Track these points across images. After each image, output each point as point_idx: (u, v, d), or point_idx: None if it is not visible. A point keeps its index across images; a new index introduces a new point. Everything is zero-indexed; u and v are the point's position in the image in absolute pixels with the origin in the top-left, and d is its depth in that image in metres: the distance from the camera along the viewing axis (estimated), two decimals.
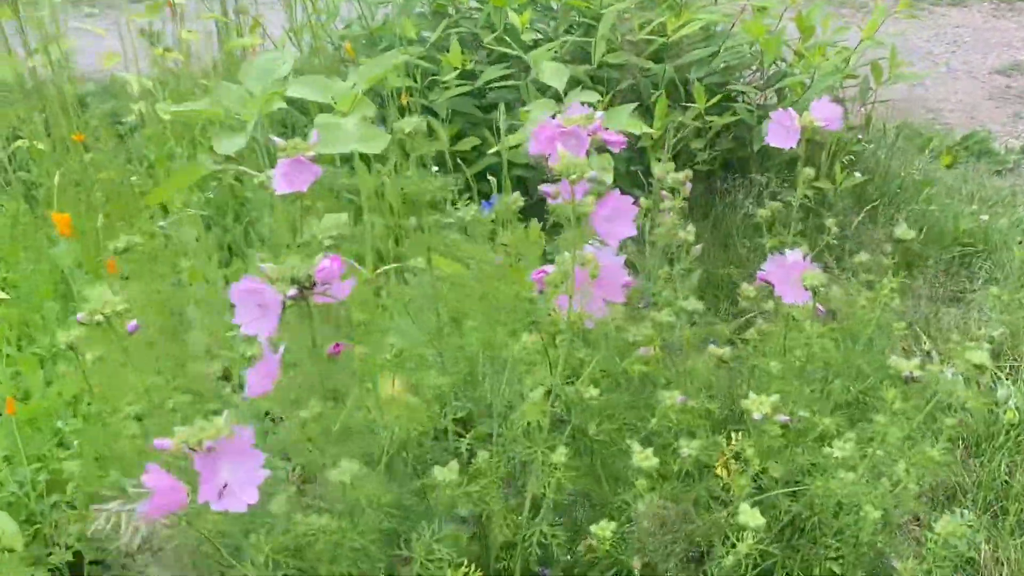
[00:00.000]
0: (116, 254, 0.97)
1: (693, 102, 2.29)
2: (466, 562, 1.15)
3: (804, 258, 1.28)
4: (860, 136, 2.51)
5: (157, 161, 1.93)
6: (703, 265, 2.35)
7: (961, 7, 5.46)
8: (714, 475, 1.25)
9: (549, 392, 1.01)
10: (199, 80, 2.52)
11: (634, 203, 0.93)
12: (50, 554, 1.16)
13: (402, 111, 2.42)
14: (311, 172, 1.04)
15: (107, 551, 0.92)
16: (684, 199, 1.33)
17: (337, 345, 0.82)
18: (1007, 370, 2.00)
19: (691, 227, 1.25)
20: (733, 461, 1.35)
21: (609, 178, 1.96)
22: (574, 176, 0.87)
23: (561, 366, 1.02)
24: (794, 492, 1.25)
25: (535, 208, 1.31)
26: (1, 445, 1.30)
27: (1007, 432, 1.81)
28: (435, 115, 2.34)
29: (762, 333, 1.27)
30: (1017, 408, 1.87)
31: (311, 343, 0.84)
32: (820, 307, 1.20)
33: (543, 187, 0.91)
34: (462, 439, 1.19)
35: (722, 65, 2.41)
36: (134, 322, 0.89)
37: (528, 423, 1.04)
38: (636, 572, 0.98)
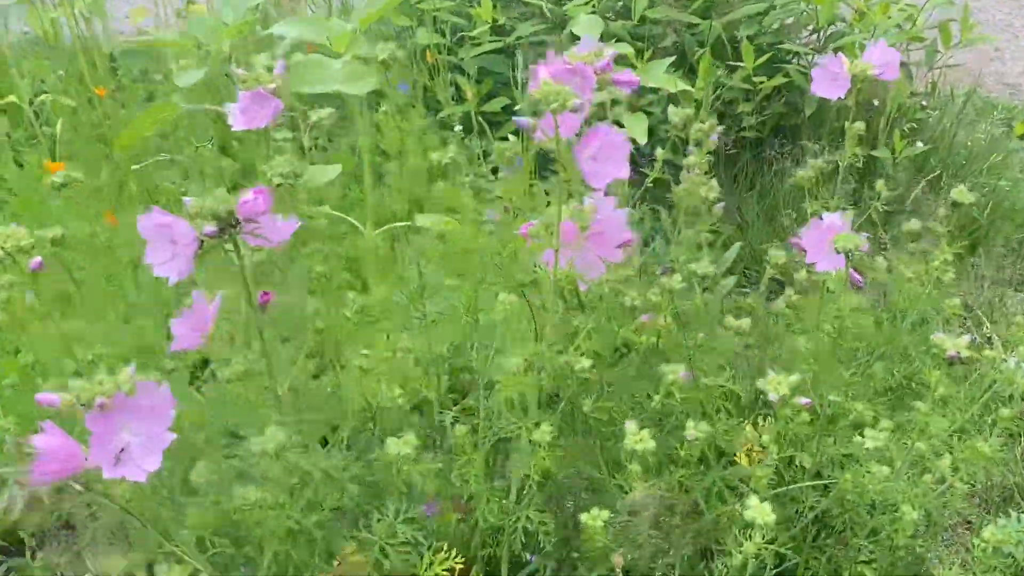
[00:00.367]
0: (53, 188, 0.87)
1: (741, 62, 2.11)
2: (446, 547, 1.04)
3: (844, 222, 1.13)
4: (924, 103, 2.31)
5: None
6: (745, 238, 2.20)
7: None
8: (734, 464, 1.11)
9: (532, 362, 0.88)
10: None
11: (627, 141, 0.79)
12: None
13: (431, 71, 2.30)
14: (272, 106, 0.93)
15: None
16: (710, 153, 1.18)
17: (265, 294, 0.70)
18: None
19: (714, 182, 1.11)
20: (759, 449, 1.22)
21: (644, 139, 1.82)
22: (555, 105, 0.74)
23: (548, 333, 0.90)
24: (824, 486, 1.11)
25: None
26: None
27: None
28: (464, 74, 2.21)
29: (793, 307, 1.12)
30: None
31: (245, 294, 0.73)
32: (857, 276, 1.05)
33: (518, 119, 0.78)
34: (446, 412, 1.07)
35: (775, 24, 2.23)
36: (38, 259, 0.79)
37: (511, 397, 0.92)
38: (617, 570, 0.85)
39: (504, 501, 1.02)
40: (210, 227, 0.68)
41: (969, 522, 1.49)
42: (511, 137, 1.82)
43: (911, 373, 1.22)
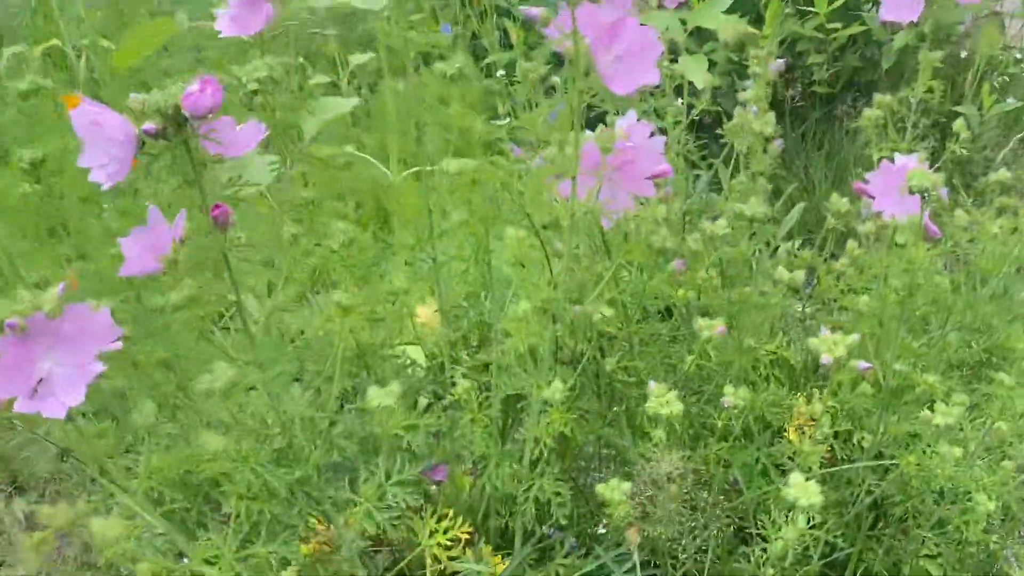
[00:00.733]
0: (19, 98, 0.78)
1: (814, 8, 1.94)
2: (452, 513, 0.93)
3: (921, 165, 0.98)
4: (1019, 56, 2.10)
5: None
6: (810, 200, 2.03)
7: None
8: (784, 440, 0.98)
9: (544, 310, 0.77)
10: None
11: (658, 41, 0.66)
12: None
13: (481, 15, 2.18)
14: (264, 13, 0.82)
15: None
16: (768, 83, 1.04)
17: (217, 207, 0.60)
18: None
19: (771, 116, 0.97)
20: (812, 424, 1.09)
21: (701, 84, 1.66)
22: None
23: (562, 277, 0.78)
24: (885, 468, 0.97)
25: None
26: None
27: None
28: (512, 18, 2.09)
29: (856, 261, 0.97)
30: None
31: (200, 206, 0.62)
32: (933, 226, 0.90)
33: (526, 9, 0.65)
34: (458, 367, 0.97)
35: None
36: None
37: (520, 350, 0.80)
38: (632, 546, 0.74)
39: (516, 467, 0.91)
40: (150, 124, 0.57)
41: None
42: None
43: (991, 346, 1.06)
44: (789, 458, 0.94)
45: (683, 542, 0.77)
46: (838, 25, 1.95)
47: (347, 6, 0.99)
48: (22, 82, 0.79)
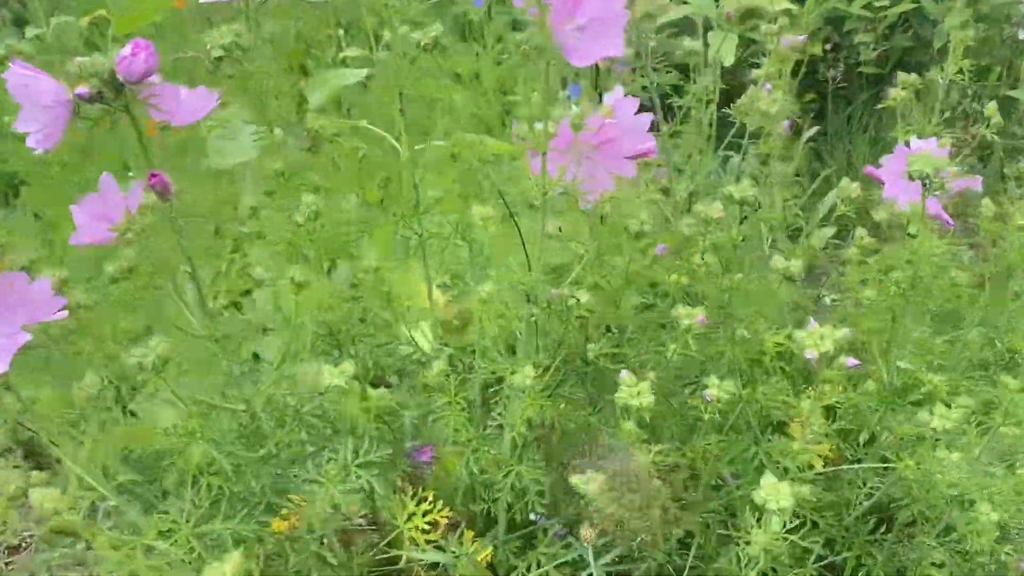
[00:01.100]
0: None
1: None
2: (432, 496, 0.91)
3: (940, 150, 0.92)
4: None
5: None
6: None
7: None
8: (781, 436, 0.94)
9: (516, 291, 0.74)
10: None
11: (625, 10, 0.62)
12: None
13: None
14: None
15: None
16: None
17: (153, 175, 0.58)
18: None
19: (778, 94, 0.91)
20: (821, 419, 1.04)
21: (730, 60, 1.60)
22: None
23: (538, 256, 0.74)
24: (884, 469, 0.92)
25: None
26: None
27: None
28: None
29: (864, 250, 0.92)
30: None
31: (142, 173, 0.61)
32: (945, 215, 0.84)
33: None
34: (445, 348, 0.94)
35: None
36: None
37: (493, 334, 0.77)
38: (586, 542, 0.70)
39: (494, 453, 0.88)
40: (83, 89, 0.56)
41: None
42: None
43: (1015, 346, 1.00)
44: (781, 456, 0.90)
45: (649, 538, 0.74)
46: (887, 2, 1.85)
47: None
48: None
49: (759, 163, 0.94)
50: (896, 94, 1.00)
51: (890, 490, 0.91)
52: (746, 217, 0.80)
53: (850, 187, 0.91)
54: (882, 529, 0.96)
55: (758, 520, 0.70)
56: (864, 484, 0.92)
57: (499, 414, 0.90)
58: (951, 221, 0.84)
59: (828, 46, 2.10)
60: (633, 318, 0.84)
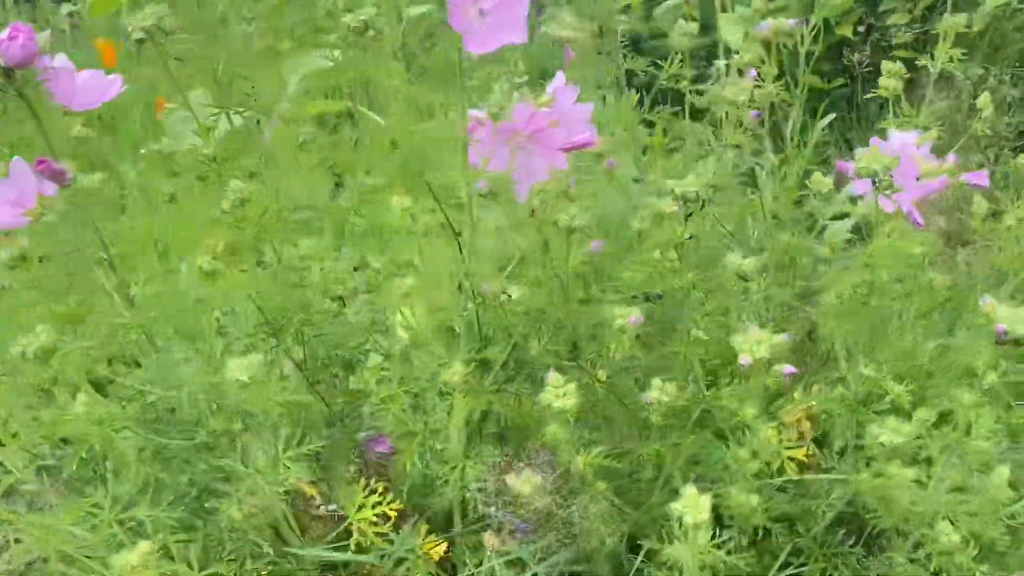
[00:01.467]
0: None
1: None
2: (382, 488, 0.90)
3: (922, 145, 0.87)
4: None
5: None
6: None
7: None
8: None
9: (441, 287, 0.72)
10: None
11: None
12: None
13: None
14: None
15: None
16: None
17: (40, 161, 0.57)
18: None
19: (746, 82, 0.87)
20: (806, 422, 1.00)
21: (735, 43, 1.55)
22: None
23: (466, 252, 0.72)
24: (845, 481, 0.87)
25: None
26: None
27: None
28: None
29: (835, 250, 0.87)
30: None
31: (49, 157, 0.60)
32: (916, 215, 0.79)
33: None
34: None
35: None
36: None
37: (422, 330, 0.76)
38: (489, 549, 0.68)
39: (440, 448, 0.87)
40: None
41: None
42: None
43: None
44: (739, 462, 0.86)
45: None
46: None
47: None
48: None
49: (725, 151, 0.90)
50: (885, 82, 0.94)
51: (855, 502, 0.87)
52: (691, 214, 0.76)
53: (822, 181, 0.86)
54: (851, 541, 0.92)
55: (685, 533, 0.67)
56: (828, 495, 0.88)
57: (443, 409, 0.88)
58: (921, 221, 0.79)
59: (862, 28, 2.02)
60: (578, 315, 0.81)
